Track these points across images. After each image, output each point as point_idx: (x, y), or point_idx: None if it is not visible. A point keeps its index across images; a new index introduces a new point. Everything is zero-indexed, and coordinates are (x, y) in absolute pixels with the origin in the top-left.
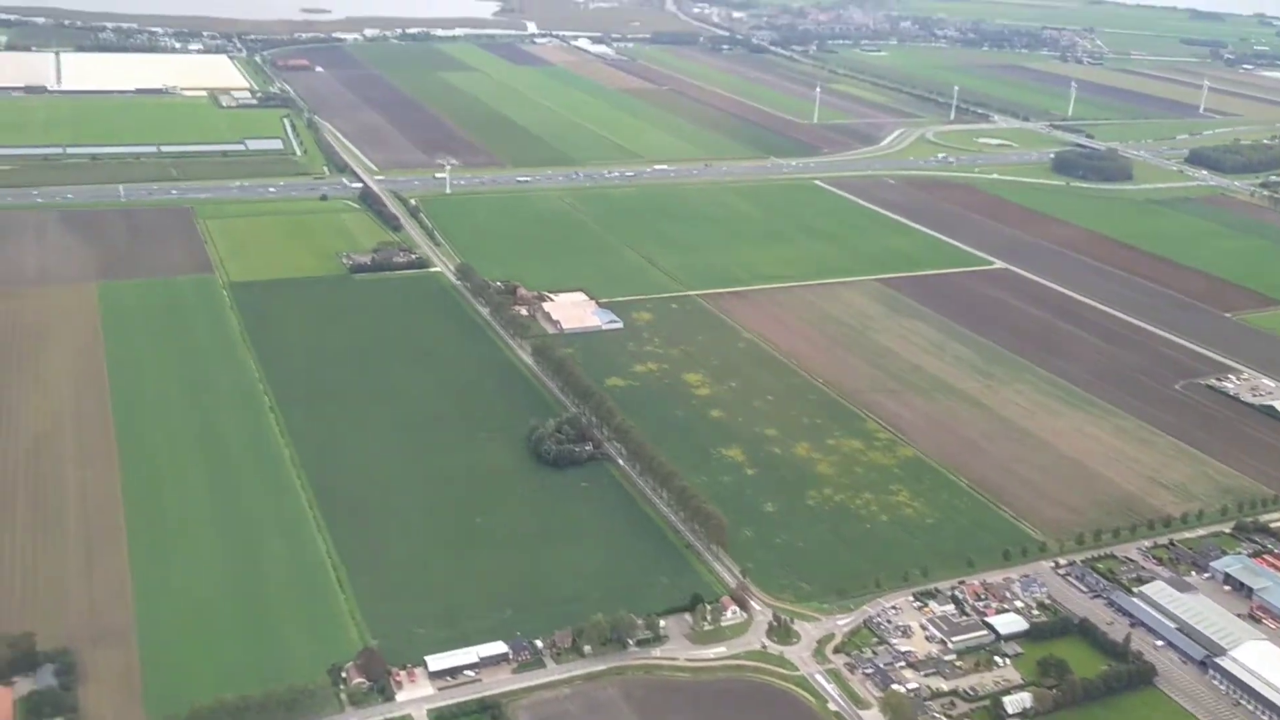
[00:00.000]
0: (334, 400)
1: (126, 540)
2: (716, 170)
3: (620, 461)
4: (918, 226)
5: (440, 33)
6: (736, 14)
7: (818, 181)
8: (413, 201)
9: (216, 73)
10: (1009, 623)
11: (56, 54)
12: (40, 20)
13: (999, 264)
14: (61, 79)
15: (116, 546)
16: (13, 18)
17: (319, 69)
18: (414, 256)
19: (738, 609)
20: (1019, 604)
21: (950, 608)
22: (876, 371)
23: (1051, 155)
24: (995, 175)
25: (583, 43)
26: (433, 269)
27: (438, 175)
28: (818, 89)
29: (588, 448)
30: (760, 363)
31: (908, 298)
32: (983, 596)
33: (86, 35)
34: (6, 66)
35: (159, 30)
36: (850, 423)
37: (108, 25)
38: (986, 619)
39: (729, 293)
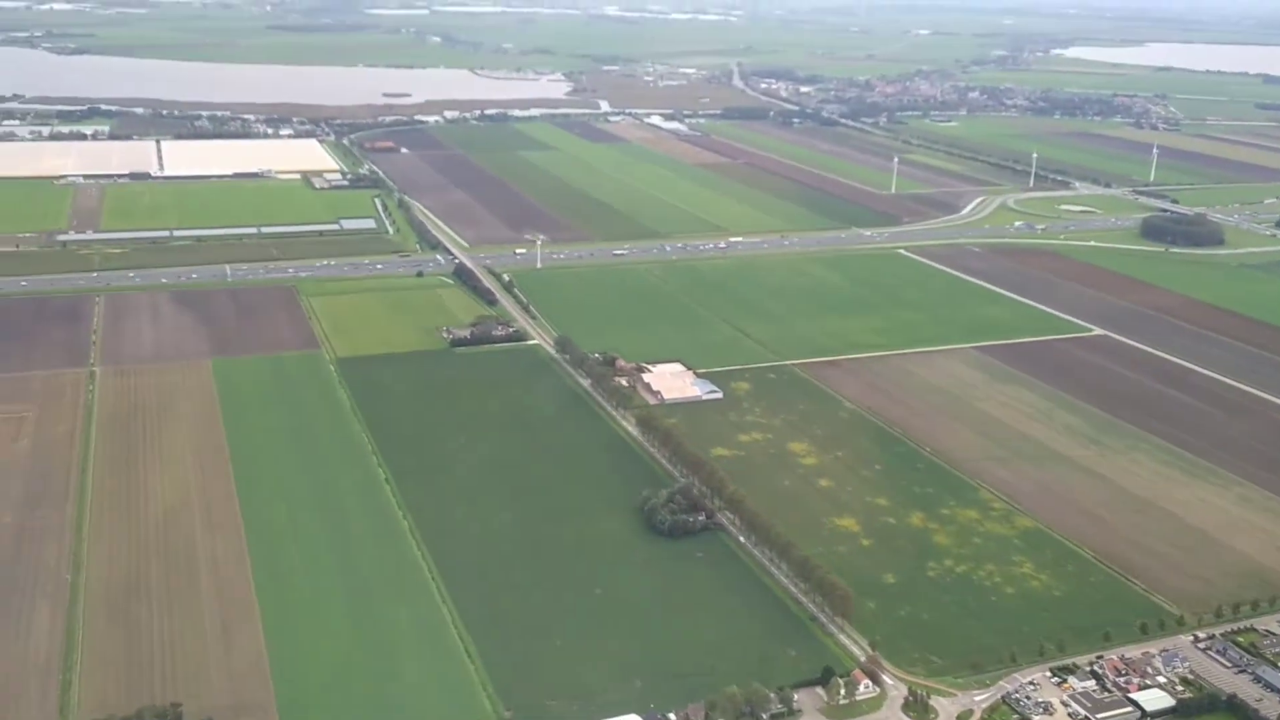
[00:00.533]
0: (445, 471)
1: (259, 610)
2: (799, 241)
3: (734, 531)
4: (1008, 294)
5: (517, 113)
6: (804, 88)
7: (902, 250)
8: (505, 277)
9: (308, 156)
10: (1154, 699)
11: (157, 142)
12: (140, 110)
13: (1097, 330)
14: (164, 165)
15: (250, 617)
16: (115, 109)
17: (404, 150)
18: (512, 330)
19: (870, 683)
20: (1161, 679)
21: (1091, 684)
22: (984, 440)
23: (1138, 221)
24: (1092, 243)
25: (655, 119)
26: (530, 342)
27: (523, 251)
28: (895, 159)
29: (700, 518)
30: (864, 432)
31: (1007, 365)
32: (1123, 672)
33: (183, 124)
34: (112, 155)
35: (251, 117)
36: (963, 492)
37: (203, 114)
38: (1130, 695)
39: (824, 362)
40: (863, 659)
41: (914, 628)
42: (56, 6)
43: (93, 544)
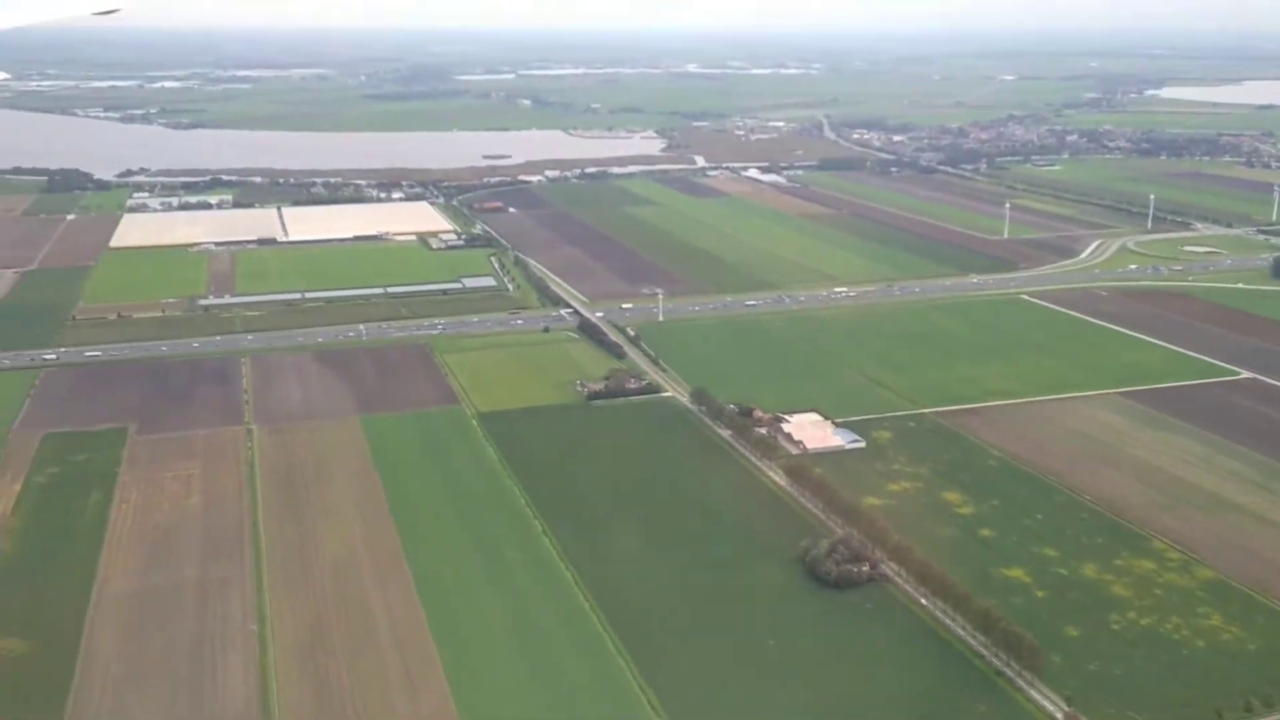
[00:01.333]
0: (599, 523)
1: (439, 660)
2: (914, 289)
3: (900, 582)
4: (1144, 337)
5: (616, 170)
6: (896, 137)
7: (1024, 296)
8: (630, 330)
9: (421, 218)
10: None
11: (278, 209)
12: (258, 180)
13: (1245, 374)
14: (287, 231)
15: (431, 667)
16: (233, 178)
17: (512, 210)
18: (644, 383)
19: None
20: None
21: None
22: (1146, 487)
23: (1268, 260)
24: (1226, 284)
25: (752, 173)
26: (664, 394)
27: (630, 306)
28: (1007, 205)
29: (865, 568)
30: (1018, 480)
31: (1156, 410)
32: None
33: (299, 191)
34: (238, 222)
35: (362, 182)
36: (1134, 542)
37: (317, 181)
38: None
39: (962, 410)
40: (1059, 716)
41: (1107, 683)
42: (168, 85)
43: (272, 596)
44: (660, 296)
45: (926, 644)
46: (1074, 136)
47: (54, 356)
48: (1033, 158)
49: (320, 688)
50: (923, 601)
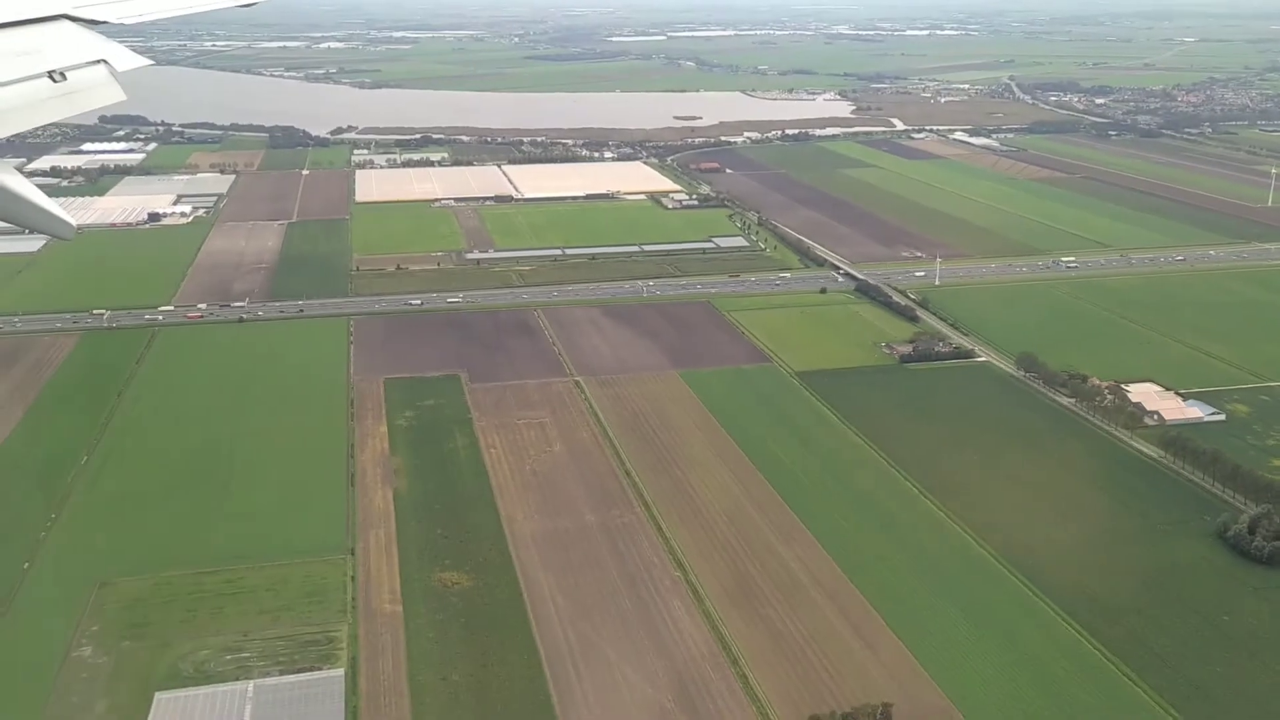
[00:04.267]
0: (971, 487)
1: (878, 615)
2: (1197, 257)
3: None
4: None
5: (817, 132)
6: (1099, 100)
7: None
8: (910, 294)
9: (643, 177)
10: None
11: (498, 166)
12: (465, 138)
13: None
14: (518, 188)
15: (872, 621)
16: (442, 136)
17: (729, 171)
18: (954, 347)
19: None
20: None
21: None
22: None
23: None
24: None
25: (959, 135)
26: (978, 359)
27: (906, 270)
28: (1274, 171)
29: None
30: None
31: None
32: None
33: (509, 149)
34: (467, 180)
35: (569, 142)
36: None
37: (524, 140)
38: None
39: None
40: None
41: None
42: (333, 45)
43: (679, 544)
44: (938, 261)
45: None
46: None
47: (353, 306)
48: (1259, 122)
49: (773, 635)
50: None
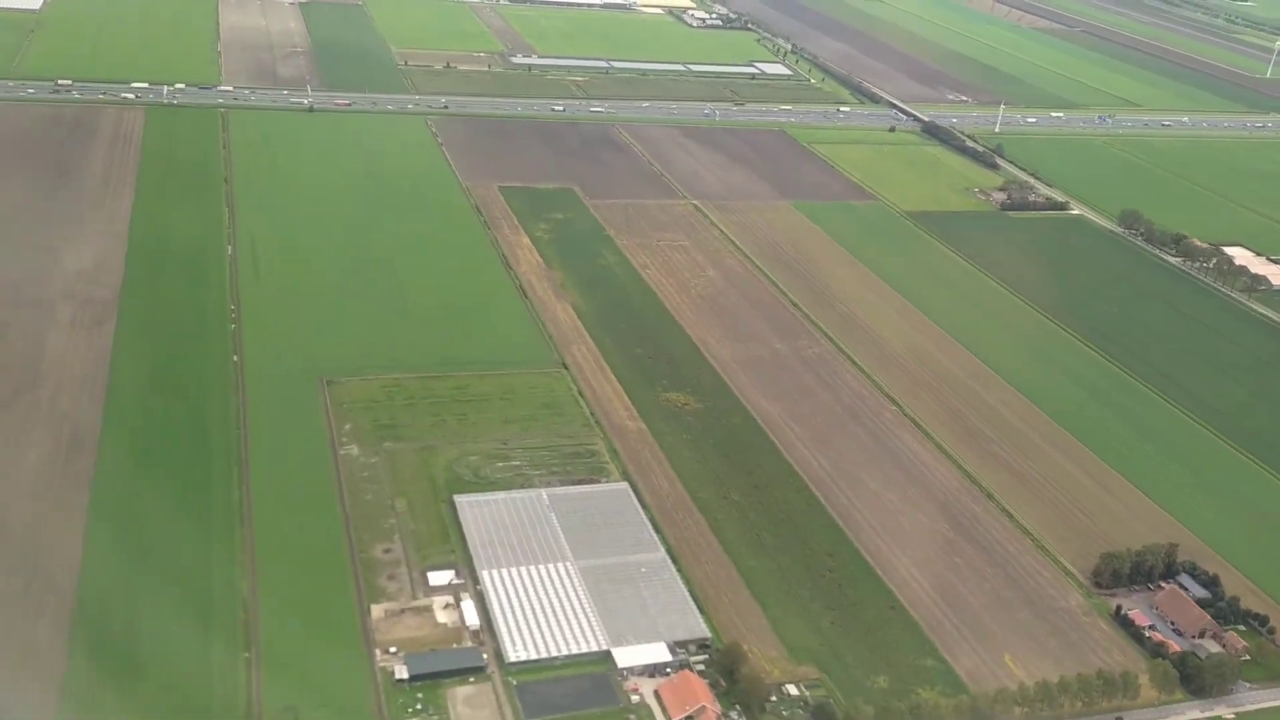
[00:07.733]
0: (1121, 337)
1: (1100, 460)
2: (1228, 123)
3: None
4: None
5: None
6: None
7: None
8: (976, 140)
9: None
10: None
11: None
12: None
13: None
14: None
15: (1093, 462)
16: None
17: None
18: (1045, 198)
19: None
20: None
21: None
22: None
23: None
24: None
25: None
26: (1073, 212)
27: (953, 113)
28: (1278, 43)
29: None
30: None
31: None
32: None
33: None
34: None
35: None
36: None
37: None
38: None
39: None
40: None
41: None
42: None
43: (876, 373)
44: (1001, 107)
45: None
46: None
47: (428, 106)
48: None
49: (1014, 475)
50: None
